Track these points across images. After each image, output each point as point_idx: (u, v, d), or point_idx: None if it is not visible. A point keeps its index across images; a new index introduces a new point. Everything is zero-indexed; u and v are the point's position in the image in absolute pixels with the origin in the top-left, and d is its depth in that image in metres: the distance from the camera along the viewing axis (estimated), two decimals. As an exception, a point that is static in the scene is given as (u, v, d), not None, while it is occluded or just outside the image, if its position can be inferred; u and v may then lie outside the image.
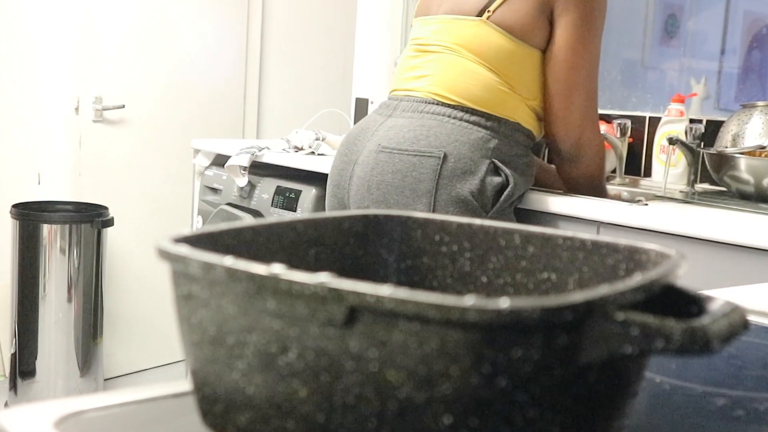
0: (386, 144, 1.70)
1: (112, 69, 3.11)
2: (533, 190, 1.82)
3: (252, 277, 0.41)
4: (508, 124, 1.71)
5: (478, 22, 1.71)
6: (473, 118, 1.69)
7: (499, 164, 1.67)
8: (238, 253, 0.49)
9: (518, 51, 1.70)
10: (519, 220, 1.77)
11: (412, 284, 0.61)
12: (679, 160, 2.20)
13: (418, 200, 1.65)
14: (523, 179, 1.72)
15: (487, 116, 1.69)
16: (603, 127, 2.31)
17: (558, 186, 1.89)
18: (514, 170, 1.69)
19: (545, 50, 1.72)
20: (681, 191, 2.09)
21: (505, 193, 1.67)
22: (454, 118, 1.69)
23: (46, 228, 2.82)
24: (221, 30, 3.42)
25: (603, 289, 0.39)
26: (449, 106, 1.70)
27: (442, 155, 1.65)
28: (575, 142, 1.76)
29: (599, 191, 1.84)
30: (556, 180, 1.89)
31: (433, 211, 1.62)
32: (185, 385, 0.52)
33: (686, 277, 0.47)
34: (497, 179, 1.66)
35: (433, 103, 1.71)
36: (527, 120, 1.74)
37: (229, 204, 2.45)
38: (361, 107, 2.79)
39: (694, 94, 2.40)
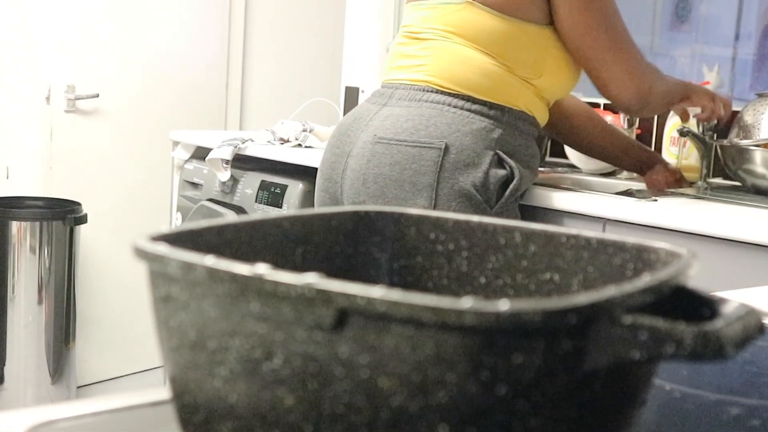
0: (383, 134, 1.69)
1: (86, 55, 3.10)
2: (535, 185, 1.83)
3: (235, 277, 0.41)
4: (512, 113, 1.71)
5: (465, 5, 1.70)
6: (475, 106, 1.69)
7: (504, 156, 1.67)
8: (219, 252, 0.49)
9: (511, 29, 1.70)
10: (521, 217, 1.77)
11: (406, 285, 0.61)
12: (691, 152, 2.20)
13: (419, 194, 1.64)
14: (529, 172, 1.73)
15: (490, 105, 1.69)
16: (609, 118, 2.31)
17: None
18: (519, 162, 1.70)
19: (551, 23, 1.72)
20: (692, 186, 2.09)
21: (511, 186, 1.67)
22: (454, 107, 1.69)
23: (15, 225, 2.81)
24: (202, 13, 3.41)
25: (609, 291, 0.39)
26: (449, 94, 1.70)
27: (443, 146, 1.64)
28: (637, 93, 1.79)
29: (667, 93, 1.89)
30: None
31: (435, 206, 1.62)
32: (163, 393, 0.52)
33: (698, 277, 0.47)
34: (502, 172, 1.67)
35: (431, 91, 1.71)
36: (531, 105, 1.74)
37: (211, 200, 2.45)
38: (351, 96, 2.79)
39: (707, 83, 2.41)
